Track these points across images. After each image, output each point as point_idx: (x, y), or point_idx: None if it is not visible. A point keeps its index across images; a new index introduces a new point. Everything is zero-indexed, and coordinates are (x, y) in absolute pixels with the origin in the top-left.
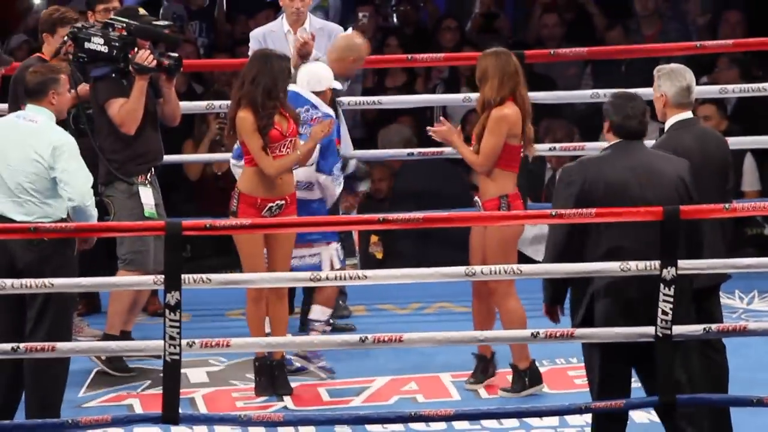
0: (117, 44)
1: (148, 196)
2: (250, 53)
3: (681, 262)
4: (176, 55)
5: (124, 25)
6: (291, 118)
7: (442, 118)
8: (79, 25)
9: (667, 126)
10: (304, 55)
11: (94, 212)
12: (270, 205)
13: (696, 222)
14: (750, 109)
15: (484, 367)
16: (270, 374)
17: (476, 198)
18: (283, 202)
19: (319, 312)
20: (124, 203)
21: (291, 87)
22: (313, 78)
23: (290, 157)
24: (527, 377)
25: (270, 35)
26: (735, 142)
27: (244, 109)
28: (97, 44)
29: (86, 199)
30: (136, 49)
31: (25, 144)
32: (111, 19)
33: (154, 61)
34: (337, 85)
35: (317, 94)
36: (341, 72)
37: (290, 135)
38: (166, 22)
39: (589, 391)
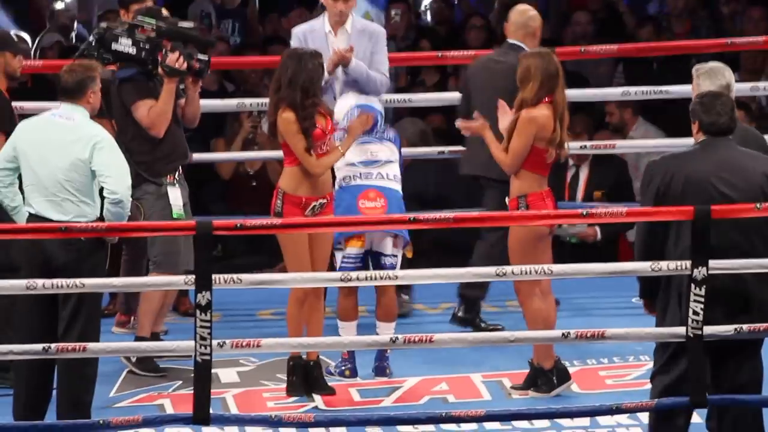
0: (146, 46)
1: (176, 196)
2: None
3: (712, 262)
4: (206, 58)
5: (153, 26)
6: (327, 115)
7: (476, 113)
8: (104, 25)
9: None
10: (337, 64)
11: (129, 211)
12: (313, 204)
13: None
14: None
15: (533, 378)
16: (303, 374)
17: (506, 198)
18: (325, 200)
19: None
20: (154, 204)
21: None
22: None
23: (334, 154)
24: (555, 376)
25: (311, 34)
26: None
27: (285, 110)
28: (125, 45)
29: (128, 193)
30: (163, 51)
31: (64, 142)
32: (138, 20)
33: (185, 64)
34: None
35: None
36: (535, 44)
37: (329, 132)
38: (192, 24)
39: (651, 391)
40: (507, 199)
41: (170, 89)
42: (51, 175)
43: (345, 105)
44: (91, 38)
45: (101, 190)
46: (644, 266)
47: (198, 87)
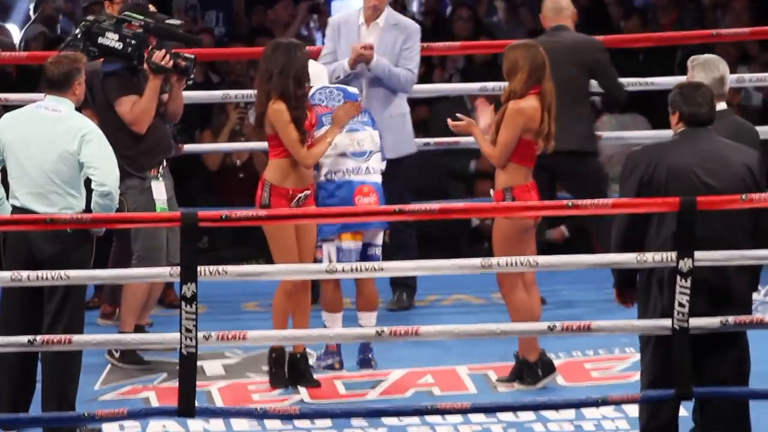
0: (132, 42)
1: (160, 190)
2: (326, 40)
3: (698, 254)
4: (192, 56)
5: (141, 22)
6: (311, 108)
7: (483, 103)
8: (91, 18)
9: None
10: (357, 61)
11: (117, 203)
12: (299, 195)
13: (765, 212)
14: None
15: (519, 370)
16: (288, 366)
17: (491, 189)
18: (309, 192)
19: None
20: (137, 198)
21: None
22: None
23: (322, 144)
24: (539, 368)
25: (345, 25)
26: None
27: (276, 101)
28: (111, 40)
29: (116, 185)
30: (150, 47)
31: (52, 134)
32: (125, 15)
33: (171, 62)
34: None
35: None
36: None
37: (314, 124)
38: (179, 21)
39: (640, 383)
40: (491, 191)
41: (155, 86)
42: (37, 168)
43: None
44: (77, 31)
45: (87, 182)
46: (630, 258)
47: (183, 84)
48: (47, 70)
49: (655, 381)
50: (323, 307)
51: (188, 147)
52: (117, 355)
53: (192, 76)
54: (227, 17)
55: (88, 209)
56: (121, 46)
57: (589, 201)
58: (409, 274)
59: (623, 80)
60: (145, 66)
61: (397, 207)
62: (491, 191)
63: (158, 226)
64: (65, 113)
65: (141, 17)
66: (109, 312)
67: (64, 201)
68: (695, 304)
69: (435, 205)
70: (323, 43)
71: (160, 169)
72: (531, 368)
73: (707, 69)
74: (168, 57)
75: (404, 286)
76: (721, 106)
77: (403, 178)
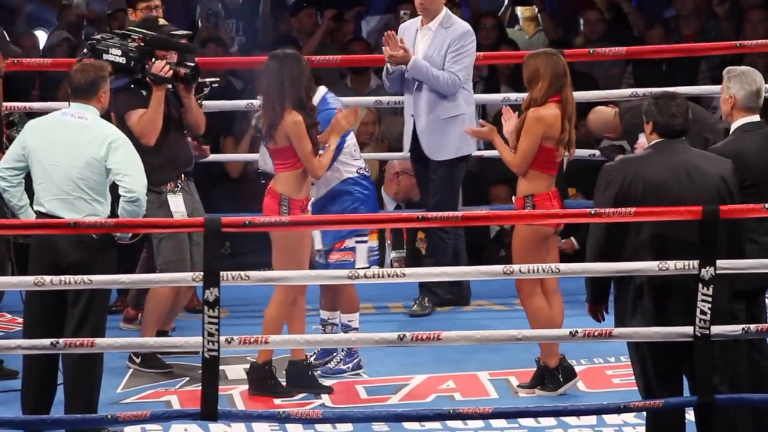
0: (134, 55)
1: (177, 204)
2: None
3: (720, 262)
4: (193, 64)
5: (141, 35)
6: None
7: (481, 120)
8: (98, 36)
9: (733, 128)
10: (394, 64)
11: (144, 209)
12: (308, 204)
13: (738, 222)
14: None
15: (540, 376)
16: (301, 373)
17: (513, 197)
18: (312, 199)
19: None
20: (155, 213)
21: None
22: None
23: (328, 154)
24: (560, 374)
25: (407, 29)
26: None
27: (292, 112)
28: (115, 55)
29: (143, 191)
30: (153, 59)
31: (78, 140)
32: (129, 30)
33: (170, 71)
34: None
35: None
36: None
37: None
38: (184, 32)
39: (638, 390)
40: (513, 198)
41: (158, 97)
42: (64, 174)
43: None
44: (84, 50)
45: (112, 188)
46: (651, 266)
47: (191, 94)
48: (73, 77)
49: (649, 389)
50: (343, 308)
51: (212, 156)
52: (138, 360)
53: (210, 85)
54: (248, 26)
55: (113, 215)
56: (125, 61)
57: (611, 210)
58: (432, 279)
59: (645, 90)
60: (147, 79)
61: (419, 214)
62: (513, 198)
63: (181, 240)
64: (91, 120)
65: (142, 31)
66: (132, 316)
67: (90, 207)
68: (671, 312)
69: (457, 213)
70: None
71: (179, 183)
72: (552, 374)
73: (743, 81)
74: (168, 67)
75: (430, 292)
76: (755, 118)
77: (443, 181)
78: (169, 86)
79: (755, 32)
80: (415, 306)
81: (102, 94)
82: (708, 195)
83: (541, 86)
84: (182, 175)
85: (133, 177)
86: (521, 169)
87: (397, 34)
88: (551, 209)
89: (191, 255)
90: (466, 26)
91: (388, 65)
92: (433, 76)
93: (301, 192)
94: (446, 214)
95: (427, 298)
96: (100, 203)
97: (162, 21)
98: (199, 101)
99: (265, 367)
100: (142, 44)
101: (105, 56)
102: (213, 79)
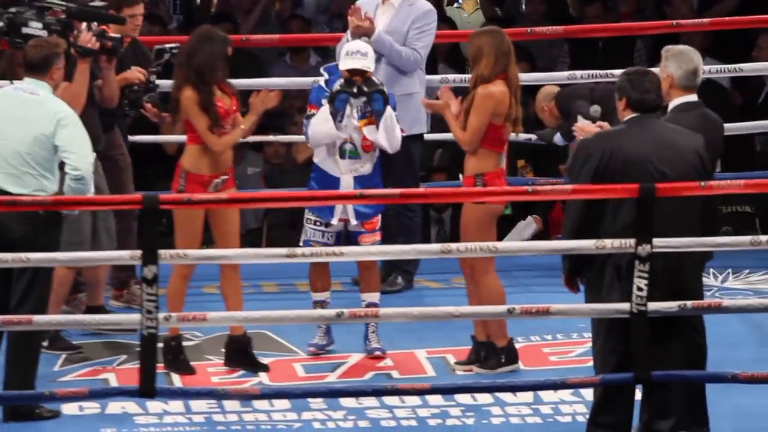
0: (56, 28)
1: None
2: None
3: (656, 240)
4: (118, 36)
5: (63, 7)
6: (232, 95)
7: (446, 92)
8: (13, 10)
9: (670, 107)
10: (357, 35)
11: (92, 188)
12: (215, 180)
13: (712, 199)
14: None
15: (477, 353)
16: (240, 348)
17: (461, 175)
18: (226, 177)
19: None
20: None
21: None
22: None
23: (235, 132)
24: (503, 355)
25: (366, 6)
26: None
27: (186, 88)
28: (35, 29)
29: (90, 170)
30: (75, 31)
31: (28, 115)
32: (47, 2)
33: (97, 43)
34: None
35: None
36: None
37: (233, 112)
38: (103, 3)
39: (593, 367)
40: (461, 177)
41: (83, 70)
42: (12, 148)
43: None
44: (0, 23)
45: (61, 165)
46: (588, 244)
47: (112, 66)
48: (27, 53)
49: (611, 367)
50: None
51: (144, 138)
52: (45, 343)
53: (170, 51)
54: (185, 4)
55: (61, 192)
56: (46, 34)
57: (549, 187)
58: (370, 258)
59: (583, 72)
60: (71, 50)
61: (359, 192)
62: (460, 176)
63: (82, 222)
64: (43, 96)
65: (62, 2)
66: (118, 294)
67: (37, 183)
68: (652, 295)
69: (396, 190)
70: None
71: None
72: (495, 353)
73: (680, 60)
74: (94, 39)
75: (401, 270)
76: (692, 97)
77: (403, 158)
78: None
79: (690, 12)
80: (385, 284)
81: (55, 71)
82: (685, 170)
83: (486, 63)
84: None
85: (79, 155)
86: (471, 146)
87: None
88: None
89: (98, 233)
90: (429, 5)
91: (349, 39)
92: (396, 50)
93: (203, 166)
94: (386, 191)
95: (399, 277)
96: (48, 179)
97: None
98: (158, 68)
99: (172, 342)
100: (64, 16)
101: (24, 30)
102: (173, 45)
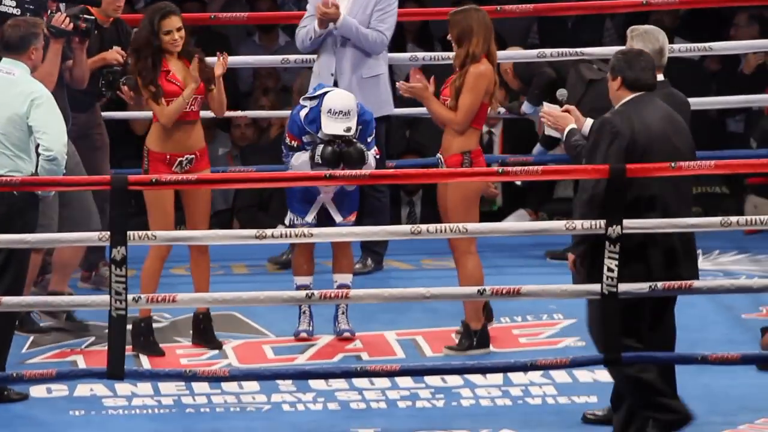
0: (30, 6)
1: None
2: (308, 5)
3: (627, 222)
4: (92, 17)
5: None
6: (201, 75)
7: (417, 73)
8: None
9: None
10: (324, 21)
11: (63, 169)
12: (179, 159)
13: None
14: None
15: (467, 334)
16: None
17: (439, 155)
18: (193, 156)
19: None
20: None
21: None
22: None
23: (176, 103)
24: (476, 337)
25: None
26: (699, 102)
27: (138, 62)
28: (8, 6)
29: (63, 151)
30: (48, 11)
31: (3, 96)
32: None
33: (71, 24)
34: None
35: None
36: None
37: (197, 93)
38: None
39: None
40: (441, 156)
41: (56, 50)
42: None
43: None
44: None
45: (37, 146)
46: (558, 225)
47: (84, 47)
48: (4, 32)
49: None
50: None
51: (114, 114)
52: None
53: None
54: None
55: (37, 173)
56: (19, 12)
57: (519, 168)
58: (339, 240)
59: (553, 50)
60: (45, 30)
61: (327, 173)
62: (440, 156)
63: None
64: (18, 76)
65: None
66: (87, 276)
67: (12, 163)
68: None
69: (365, 171)
70: None
71: None
72: (468, 335)
73: (646, 40)
74: (68, 20)
75: (371, 251)
76: (659, 77)
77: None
78: None
79: None
80: (358, 264)
81: (33, 51)
82: (689, 142)
83: (476, 42)
84: None
85: (52, 135)
86: (463, 126)
87: (309, 2)
88: (482, 165)
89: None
90: None
91: (316, 27)
92: (363, 34)
93: (165, 145)
94: (355, 172)
95: (369, 258)
96: (23, 160)
97: None
98: None
99: (141, 324)
100: None
101: None
102: None
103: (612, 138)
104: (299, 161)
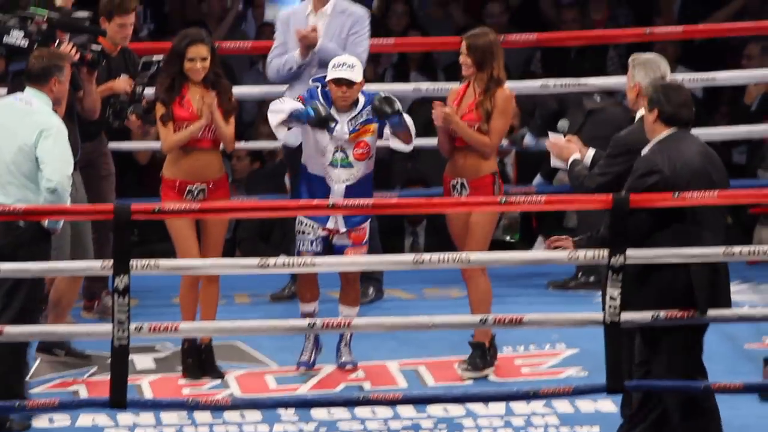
0: (38, 38)
1: None
2: (276, 34)
3: (630, 251)
4: (99, 47)
5: (44, 17)
6: (221, 107)
7: (435, 103)
8: None
9: (638, 116)
10: (306, 46)
11: (68, 201)
12: (189, 188)
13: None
14: None
15: (482, 354)
16: (198, 357)
17: (458, 179)
18: (205, 186)
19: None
20: None
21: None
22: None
23: (181, 133)
24: (489, 354)
25: (293, 17)
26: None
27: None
28: (16, 38)
29: (64, 183)
30: (57, 42)
31: (17, 125)
32: (29, 12)
33: (77, 55)
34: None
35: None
36: None
37: (189, 117)
38: (86, 13)
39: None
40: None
41: (65, 75)
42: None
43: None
44: None
45: None
46: (561, 256)
47: (93, 78)
48: (29, 63)
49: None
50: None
51: (117, 145)
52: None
53: (157, 63)
54: (156, 12)
55: None
56: (27, 44)
57: (522, 198)
58: (341, 270)
59: (556, 81)
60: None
61: (330, 202)
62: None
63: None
64: (35, 107)
65: (44, 12)
66: (89, 306)
67: (21, 193)
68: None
69: (369, 200)
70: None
71: None
72: (483, 352)
73: (647, 68)
74: (74, 50)
75: (371, 279)
76: None
77: None
78: None
79: (666, 20)
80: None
81: (55, 83)
82: (725, 177)
83: (498, 64)
84: None
85: (54, 167)
86: (495, 149)
87: (276, 21)
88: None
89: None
90: (363, 9)
91: (297, 57)
92: None
93: (177, 172)
94: (358, 201)
95: (371, 288)
96: (31, 191)
97: (59, 1)
98: (145, 79)
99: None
100: (45, 26)
101: (6, 39)
102: (159, 57)
103: (647, 174)
104: (279, 103)
